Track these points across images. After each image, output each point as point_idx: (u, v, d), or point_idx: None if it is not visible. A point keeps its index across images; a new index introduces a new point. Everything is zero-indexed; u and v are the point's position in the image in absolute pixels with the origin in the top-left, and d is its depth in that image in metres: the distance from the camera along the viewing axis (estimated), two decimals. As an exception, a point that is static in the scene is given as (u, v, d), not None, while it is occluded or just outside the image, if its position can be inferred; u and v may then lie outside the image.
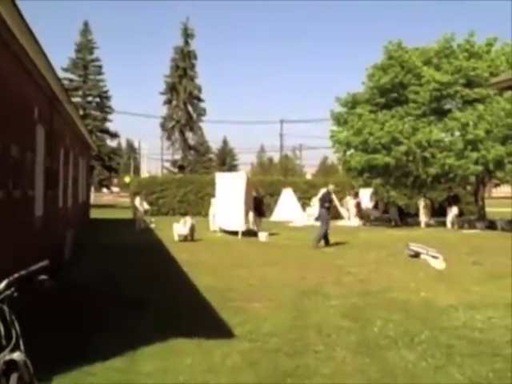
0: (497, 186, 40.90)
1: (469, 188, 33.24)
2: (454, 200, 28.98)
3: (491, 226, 27.41)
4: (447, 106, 28.83)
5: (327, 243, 18.69)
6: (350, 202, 32.69)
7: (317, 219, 31.66)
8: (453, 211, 28.74)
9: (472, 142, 25.73)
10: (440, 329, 7.53)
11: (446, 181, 29.59)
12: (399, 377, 5.64)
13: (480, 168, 25.75)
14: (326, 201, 19.53)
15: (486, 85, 23.09)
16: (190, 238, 20.34)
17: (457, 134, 27.00)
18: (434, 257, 14.34)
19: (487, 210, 31.04)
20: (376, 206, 34.19)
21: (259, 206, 23.97)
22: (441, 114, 28.04)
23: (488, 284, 11.13)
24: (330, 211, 19.75)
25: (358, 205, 33.01)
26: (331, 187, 20.77)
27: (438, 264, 13.72)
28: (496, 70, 25.64)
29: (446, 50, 28.28)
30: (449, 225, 28.59)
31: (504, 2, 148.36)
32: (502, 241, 19.32)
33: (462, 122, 26.06)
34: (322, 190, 34.44)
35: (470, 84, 27.29)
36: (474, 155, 25.52)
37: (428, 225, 29.83)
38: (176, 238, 20.23)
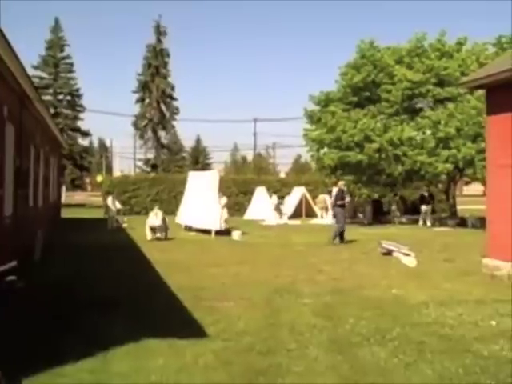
0: (468, 183, 41.42)
1: (440, 186, 33.66)
2: (424, 199, 29.29)
3: (462, 223, 27.82)
4: (419, 105, 29.24)
5: (342, 240, 18.92)
6: (326, 199, 32.59)
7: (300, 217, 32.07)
8: (424, 209, 29.07)
9: (443, 140, 26.07)
10: (411, 325, 7.60)
11: (417, 179, 29.95)
12: (370, 373, 5.68)
13: (450, 166, 26.05)
14: (339, 199, 19.63)
15: (456, 84, 23.39)
16: (163, 237, 20.25)
17: (428, 132, 27.33)
18: (405, 254, 14.48)
19: (458, 207, 31.50)
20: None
21: None
22: (412, 112, 28.39)
23: (458, 281, 11.25)
24: (344, 209, 19.82)
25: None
26: (341, 183, 20.81)
27: (410, 261, 13.85)
28: (467, 70, 25.99)
29: (418, 49, 28.64)
30: (421, 222, 28.94)
31: (476, 1, 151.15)
32: (472, 238, 19.57)
33: (434, 121, 26.40)
34: (295, 189, 34.88)
35: (441, 83, 27.69)
36: (446, 153, 25.86)
37: (401, 222, 30.16)
38: (149, 237, 20.12)
